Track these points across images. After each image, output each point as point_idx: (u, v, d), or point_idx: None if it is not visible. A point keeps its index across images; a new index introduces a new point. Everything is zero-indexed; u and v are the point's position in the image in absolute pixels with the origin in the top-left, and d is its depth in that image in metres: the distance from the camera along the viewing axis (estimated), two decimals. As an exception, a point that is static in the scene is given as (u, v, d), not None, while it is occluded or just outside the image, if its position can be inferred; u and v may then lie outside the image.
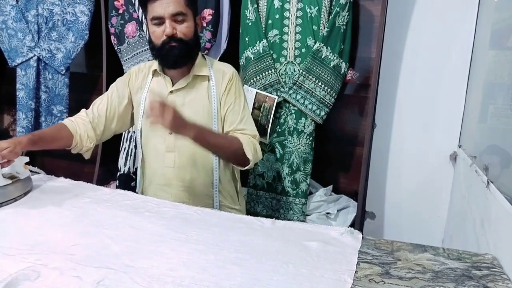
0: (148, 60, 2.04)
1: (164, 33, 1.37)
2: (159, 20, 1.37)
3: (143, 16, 1.47)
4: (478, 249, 1.17)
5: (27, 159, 1.30)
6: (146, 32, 2.06)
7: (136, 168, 2.10)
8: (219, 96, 1.46)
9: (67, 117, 2.37)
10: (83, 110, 1.49)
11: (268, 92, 1.90)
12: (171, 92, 1.45)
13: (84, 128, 1.43)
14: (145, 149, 1.51)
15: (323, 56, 1.83)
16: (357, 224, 1.88)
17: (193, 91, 1.46)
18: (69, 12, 2.23)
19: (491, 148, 1.52)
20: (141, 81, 1.51)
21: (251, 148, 1.40)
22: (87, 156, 1.48)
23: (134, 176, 2.11)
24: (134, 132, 2.09)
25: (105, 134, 1.50)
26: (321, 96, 1.85)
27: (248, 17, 1.92)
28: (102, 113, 1.48)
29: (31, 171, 1.40)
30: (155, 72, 1.49)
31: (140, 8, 1.68)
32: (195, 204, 1.29)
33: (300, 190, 1.91)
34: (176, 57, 1.38)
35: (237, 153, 1.39)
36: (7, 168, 1.22)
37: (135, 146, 2.10)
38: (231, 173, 1.54)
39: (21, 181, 1.24)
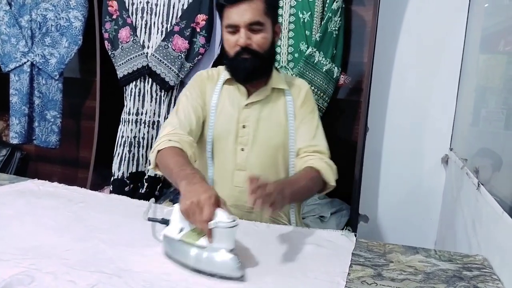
0: (142, 66, 2.05)
1: (237, 43, 1.24)
2: (234, 29, 1.24)
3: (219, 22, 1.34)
4: (469, 250, 1.18)
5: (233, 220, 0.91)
6: (140, 37, 2.07)
7: (130, 173, 2.10)
8: (296, 112, 1.34)
9: (60, 122, 2.37)
10: (173, 127, 1.26)
11: (261, 97, 1.91)
12: (246, 105, 1.32)
13: (191, 150, 1.23)
14: (214, 164, 1.35)
15: (315, 61, 1.84)
16: (351, 227, 1.89)
17: (269, 105, 1.33)
18: (62, 18, 2.23)
19: (482, 151, 1.54)
20: (210, 88, 1.36)
21: (331, 172, 1.26)
22: None
23: (128, 181, 2.11)
24: (128, 137, 2.09)
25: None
26: (314, 100, 1.86)
27: (241, 22, 1.93)
28: (193, 126, 1.30)
29: None
30: (227, 80, 1.35)
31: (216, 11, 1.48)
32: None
33: (294, 194, 1.91)
34: (248, 71, 1.25)
35: (318, 187, 1.25)
36: None
37: (129, 152, 2.10)
38: None
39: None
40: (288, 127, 1.33)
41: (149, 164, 1.26)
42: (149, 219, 0.99)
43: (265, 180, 0.95)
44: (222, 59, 2.03)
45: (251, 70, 1.25)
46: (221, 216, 0.86)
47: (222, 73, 1.37)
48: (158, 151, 1.19)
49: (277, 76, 1.36)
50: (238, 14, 1.22)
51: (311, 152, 1.30)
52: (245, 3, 1.21)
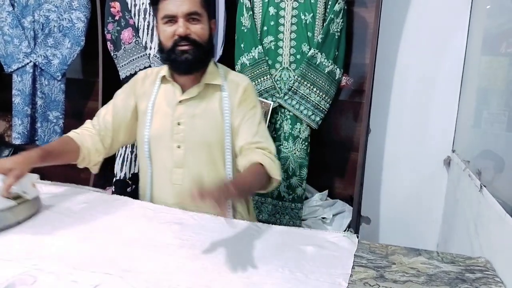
0: (145, 67, 2.05)
1: (175, 33, 1.24)
2: (171, 19, 1.24)
3: (154, 17, 1.34)
4: (472, 253, 1.18)
5: (36, 176, 1.19)
6: (143, 38, 2.07)
7: (132, 174, 2.10)
8: (232, 108, 1.32)
9: (63, 123, 2.38)
10: (88, 121, 1.39)
11: (263, 98, 1.91)
12: (180, 101, 1.32)
13: (91, 141, 1.33)
14: (153, 164, 1.37)
15: (317, 62, 1.85)
16: (353, 228, 1.89)
17: (204, 101, 1.33)
18: (65, 19, 2.24)
19: (485, 153, 1.53)
20: (147, 88, 1.38)
21: (274, 166, 1.24)
22: (95, 170, 1.38)
23: (130, 182, 2.11)
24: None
25: (113, 146, 1.39)
26: (316, 102, 1.87)
27: (243, 24, 1.93)
28: (109, 125, 1.36)
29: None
30: (163, 79, 1.36)
31: (151, 8, 1.45)
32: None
33: (295, 195, 1.92)
34: (189, 62, 1.26)
35: (265, 181, 1.22)
36: (14, 187, 1.06)
37: (132, 153, 2.10)
38: None
39: (27, 202, 1.10)
40: (224, 123, 1.32)
41: None
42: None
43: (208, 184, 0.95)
44: (224, 61, 2.06)
45: (191, 60, 1.26)
46: None
47: (161, 72, 1.38)
48: None
49: (214, 71, 1.35)
50: (176, 5, 1.23)
51: (254, 149, 1.27)
52: None
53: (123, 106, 1.38)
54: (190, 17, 1.25)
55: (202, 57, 1.29)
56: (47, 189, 1.35)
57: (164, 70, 1.36)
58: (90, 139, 1.33)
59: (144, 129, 1.36)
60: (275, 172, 1.23)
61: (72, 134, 1.34)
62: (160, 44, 1.32)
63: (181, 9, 1.23)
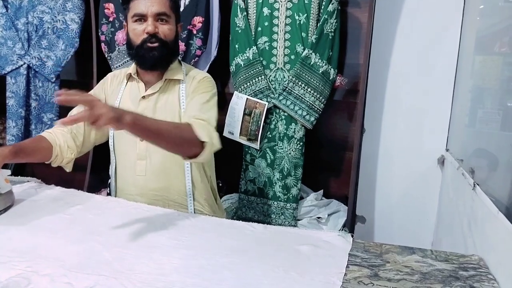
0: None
1: (145, 31, 1.32)
2: (141, 18, 1.33)
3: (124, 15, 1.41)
4: (466, 250, 1.19)
5: (8, 172, 1.23)
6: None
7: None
8: (187, 98, 1.39)
9: (57, 125, 2.38)
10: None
11: (258, 98, 1.91)
12: (143, 97, 1.40)
13: (63, 139, 1.37)
14: (117, 157, 1.47)
15: (312, 63, 1.85)
16: (348, 228, 1.89)
17: (165, 95, 1.40)
18: (59, 20, 2.23)
19: (478, 151, 1.55)
20: (116, 87, 1.47)
21: (205, 130, 1.23)
22: (68, 168, 1.41)
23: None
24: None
25: (85, 145, 1.44)
26: (311, 102, 1.87)
27: (237, 25, 1.94)
28: (80, 123, 1.39)
29: (28, 181, 1.40)
30: (129, 77, 1.45)
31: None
32: None
33: (291, 195, 1.92)
34: (156, 58, 1.34)
35: (187, 139, 1.19)
36: None
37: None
38: (208, 181, 1.49)
39: (0, 196, 1.15)
40: (181, 114, 1.39)
41: None
42: None
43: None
44: (219, 61, 2.06)
45: (158, 57, 1.34)
46: None
47: (128, 71, 1.45)
48: None
49: (176, 68, 1.43)
50: (146, 5, 1.32)
51: (193, 120, 1.27)
52: None
53: None
54: (159, 17, 1.34)
55: (167, 55, 1.37)
56: (41, 192, 1.34)
57: (130, 69, 1.45)
58: (62, 137, 1.38)
59: None
60: (202, 134, 1.21)
61: (45, 133, 1.39)
62: (128, 41, 1.39)
63: (151, 9, 1.32)
